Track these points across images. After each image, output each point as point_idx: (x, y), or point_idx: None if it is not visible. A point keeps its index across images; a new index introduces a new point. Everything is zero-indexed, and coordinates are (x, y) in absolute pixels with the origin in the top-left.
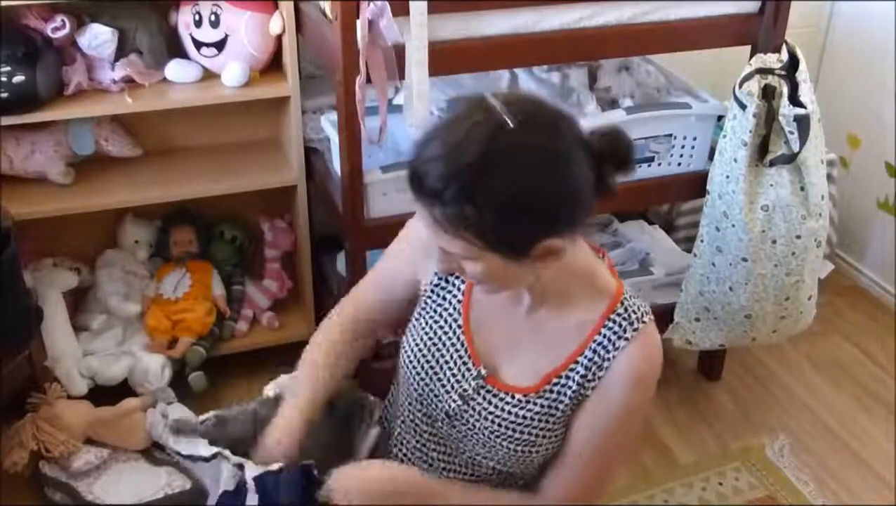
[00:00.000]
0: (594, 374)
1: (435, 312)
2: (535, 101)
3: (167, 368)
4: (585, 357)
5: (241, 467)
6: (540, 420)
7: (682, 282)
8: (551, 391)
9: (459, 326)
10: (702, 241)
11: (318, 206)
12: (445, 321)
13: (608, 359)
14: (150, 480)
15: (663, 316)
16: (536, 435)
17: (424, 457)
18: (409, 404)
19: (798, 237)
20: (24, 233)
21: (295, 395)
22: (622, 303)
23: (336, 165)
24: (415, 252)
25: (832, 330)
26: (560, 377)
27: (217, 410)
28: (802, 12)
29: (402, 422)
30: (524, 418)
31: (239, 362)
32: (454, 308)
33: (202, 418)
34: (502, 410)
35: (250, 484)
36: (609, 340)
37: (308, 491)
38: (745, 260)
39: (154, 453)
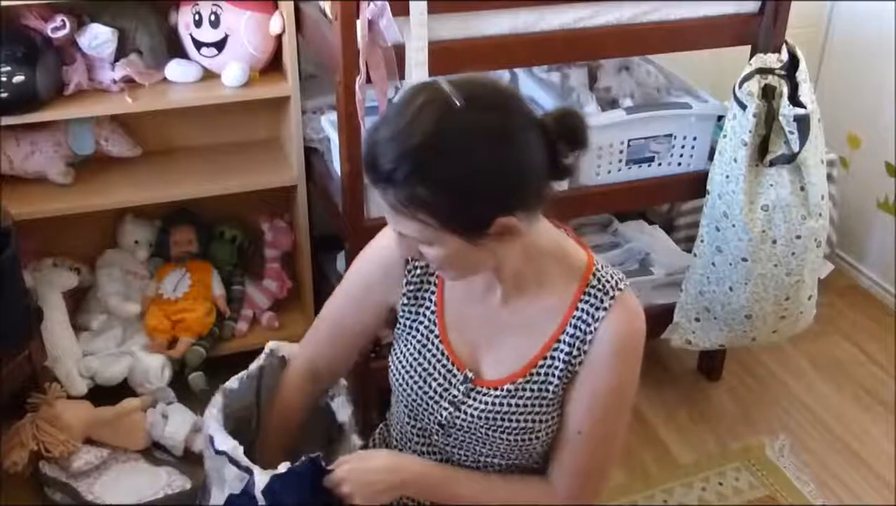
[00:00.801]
0: (579, 349)
1: (411, 328)
2: (483, 82)
3: (167, 368)
4: (567, 334)
5: (249, 471)
6: (533, 405)
7: (682, 282)
8: (538, 374)
9: (437, 337)
10: (702, 241)
11: (318, 206)
12: (423, 334)
13: (590, 332)
14: (150, 480)
15: (663, 316)
16: (533, 421)
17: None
18: (403, 422)
19: (798, 237)
20: (24, 233)
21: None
22: (594, 275)
23: (336, 165)
24: (375, 284)
25: (832, 330)
26: (545, 359)
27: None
28: (802, 12)
29: (398, 440)
30: (517, 406)
31: (239, 362)
32: (429, 319)
33: (228, 386)
34: (494, 404)
35: (259, 498)
36: (588, 313)
37: (316, 483)
38: (745, 260)
39: (154, 453)
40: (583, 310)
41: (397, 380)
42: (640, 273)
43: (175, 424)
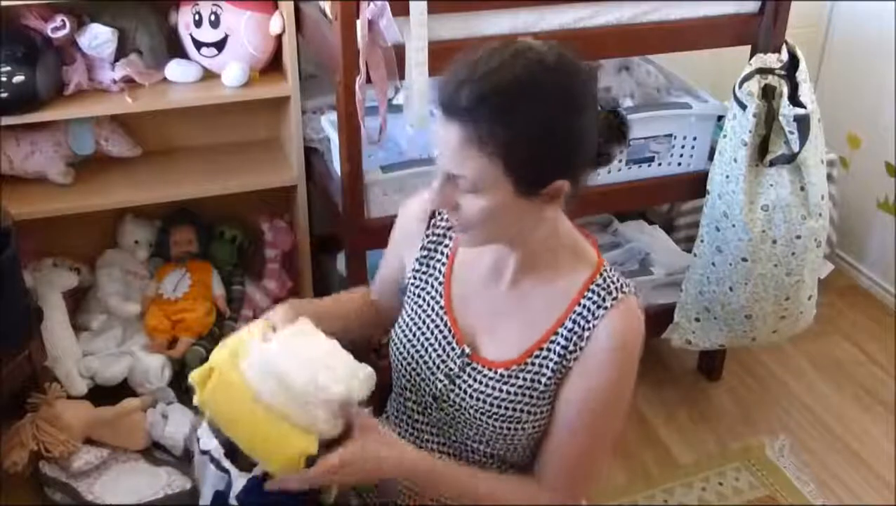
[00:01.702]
0: (575, 344)
1: (418, 295)
2: (570, 52)
3: (167, 368)
4: (566, 327)
5: (227, 471)
6: (523, 394)
7: (682, 282)
8: (533, 364)
9: (442, 307)
10: (702, 241)
11: (318, 206)
12: (428, 304)
13: (588, 329)
14: (150, 480)
15: (663, 316)
16: (521, 411)
17: (419, 446)
18: (400, 393)
19: (798, 237)
20: (24, 233)
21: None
22: (601, 274)
23: (336, 165)
24: (400, 240)
25: (832, 330)
26: (542, 349)
27: None
28: (802, 12)
29: (396, 414)
30: (508, 393)
31: None
32: (435, 290)
33: None
34: (486, 386)
35: (233, 502)
36: (589, 309)
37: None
38: (745, 260)
39: (154, 453)
40: (584, 306)
41: (398, 348)
42: (640, 273)
43: (175, 424)
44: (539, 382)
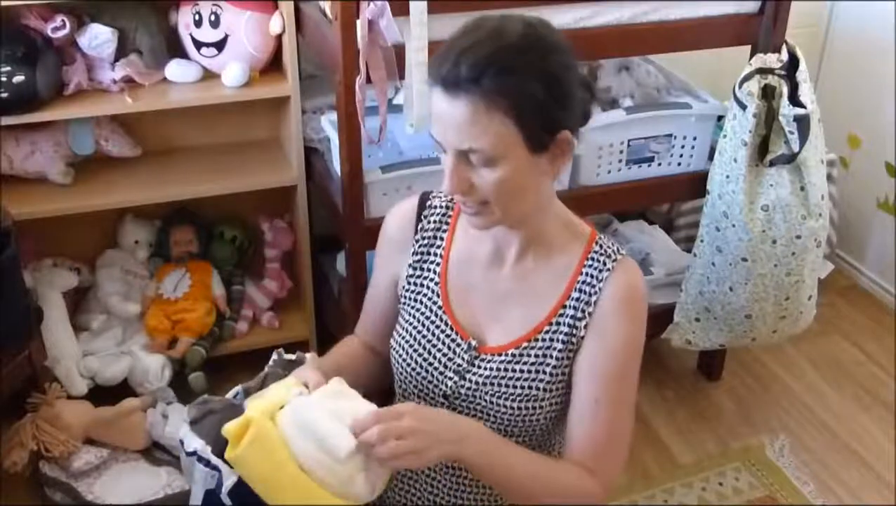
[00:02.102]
0: (583, 311)
1: (415, 300)
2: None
3: (167, 368)
4: (573, 298)
5: (217, 469)
6: (536, 371)
7: (682, 282)
8: (543, 339)
9: (440, 307)
10: (702, 241)
11: (318, 206)
12: (426, 306)
13: (594, 293)
14: (150, 480)
15: (663, 316)
16: (536, 387)
17: None
18: (407, 398)
19: (798, 237)
20: (24, 233)
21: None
22: (597, 242)
23: (336, 165)
24: (390, 253)
25: (832, 330)
26: (551, 324)
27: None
28: (802, 12)
29: None
30: (521, 371)
31: (239, 362)
32: (432, 291)
33: (232, 392)
34: (499, 370)
35: (225, 498)
36: (591, 276)
37: None
38: (745, 260)
39: (154, 453)
40: (587, 274)
41: (401, 355)
42: None
43: (175, 424)
44: (551, 355)
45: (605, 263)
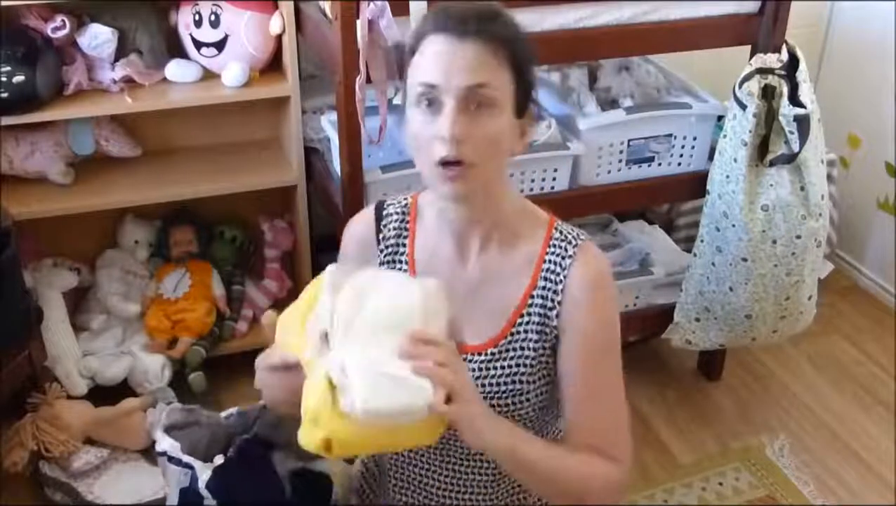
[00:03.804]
0: (552, 300)
1: None
2: None
3: (167, 368)
4: (539, 287)
5: (190, 466)
6: (517, 365)
7: (682, 282)
8: (517, 333)
9: None
10: (702, 241)
11: (318, 206)
12: None
13: (560, 281)
14: (150, 480)
15: (663, 316)
16: (521, 382)
17: (419, 460)
18: None
19: (798, 237)
20: (24, 233)
21: None
22: (556, 228)
23: (336, 165)
24: (356, 262)
25: (832, 330)
26: (522, 316)
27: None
28: (802, 12)
29: None
30: (502, 368)
31: (239, 362)
32: None
33: (226, 412)
34: (480, 370)
35: (204, 492)
36: (555, 263)
37: (260, 465)
38: (745, 260)
39: (154, 453)
40: (551, 262)
41: None
42: (640, 273)
43: None
44: (528, 347)
45: (566, 250)
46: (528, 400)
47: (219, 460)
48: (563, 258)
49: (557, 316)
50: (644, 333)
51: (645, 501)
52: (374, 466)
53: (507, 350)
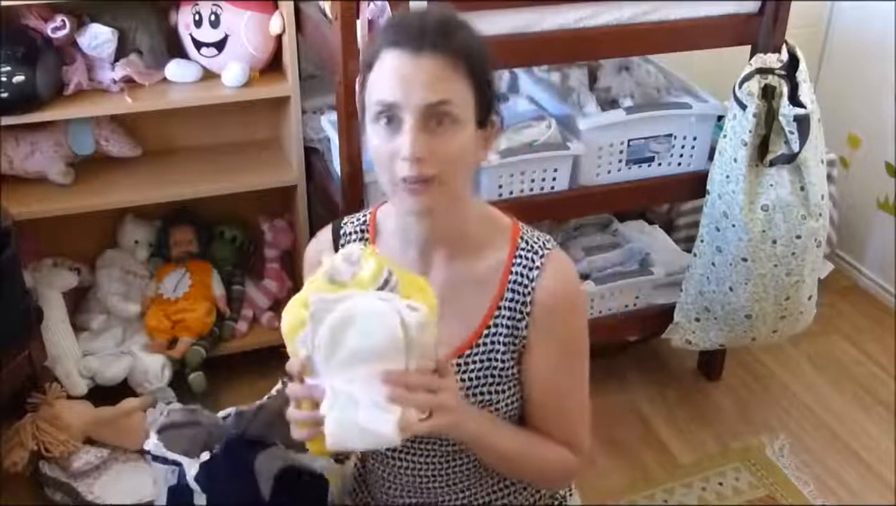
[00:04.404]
0: (521, 312)
1: None
2: None
3: (167, 368)
4: (506, 299)
5: (177, 463)
6: (485, 376)
7: (682, 282)
8: (485, 343)
9: None
10: (702, 241)
11: (318, 206)
12: None
13: (528, 293)
14: (149, 480)
15: (663, 316)
16: (490, 392)
17: (403, 460)
18: None
19: (798, 237)
20: (24, 233)
21: None
22: (522, 238)
23: (336, 165)
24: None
25: (832, 330)
26: (489, 327)
27: (236, 406)
28: (802, 12)
29: None
30: (469, 379)
31: (239, 362)
32: None
33: (224, 412)
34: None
35: (193, 485)
36: (522, 274)
37: (246, 459)
38: (745, 260)
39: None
40: (517, 273)
41: None
42: (640, 273)
43: None
44: (496, 358)
45: (533, 261)
46: (496, 409)
47: (205, 456)
48: (530, 270)
49: (526, 327)
50: (644, 333)
51: (645, 501)
52: (372, 464)
53: (473, 361)
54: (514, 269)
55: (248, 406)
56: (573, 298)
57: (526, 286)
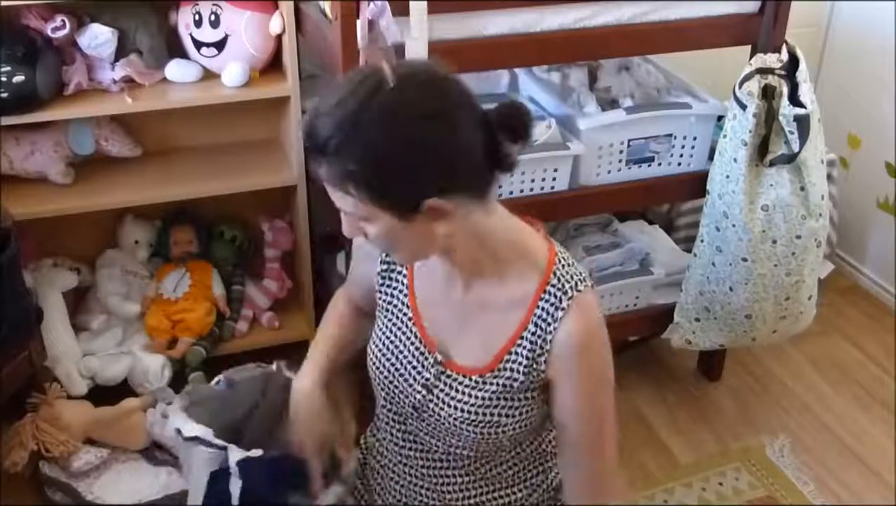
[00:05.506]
0: (541, 348)
1: (387, 309)
2: (423, 65)
3: (167, 368)
4: (529, 331)
5: (223, 448)
6: (499, 399)
7: (682, 282)
8: (504, 369)
9: (410, 319)
10: (702, 241)
11: (318, 206)
12: (396, 316)
13: (550, 332)
14: (150, 480)
15: (663, 316)
16: (499, 414)
17: (402, 457)
18: (383, 405)
19: (798, 237)
20: (24, 233)
21: (310, 357)
22: (555, 273)
23: None
24: (361, 256)
25: (832, 330)
26: (510, 353)
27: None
28: (802, 12)
29: (382, 425)
30: (483, 399)
31: (239, 362)
32: (401, 302)
33: (214, 380)
34: (461, 393)
35: (234, 468)
36: (547, 312)
37: (286, 479)
38: (745, 260)
39: (154, 453)
40: (543, 309)
41: (373, 362)
42: (640, 273)
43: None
44: (512, 386)
45: (560, 301)
46: (503, 432)
47: (256, 452)
48: (556, 309)
49: (546, 362)
50: (644, 333)
51: (645, 501)
52: (372, 464)
53: (491, 383)
54: (540, 303)
55: (233, 369)
56: (594, 347)
57: (549, 324)
